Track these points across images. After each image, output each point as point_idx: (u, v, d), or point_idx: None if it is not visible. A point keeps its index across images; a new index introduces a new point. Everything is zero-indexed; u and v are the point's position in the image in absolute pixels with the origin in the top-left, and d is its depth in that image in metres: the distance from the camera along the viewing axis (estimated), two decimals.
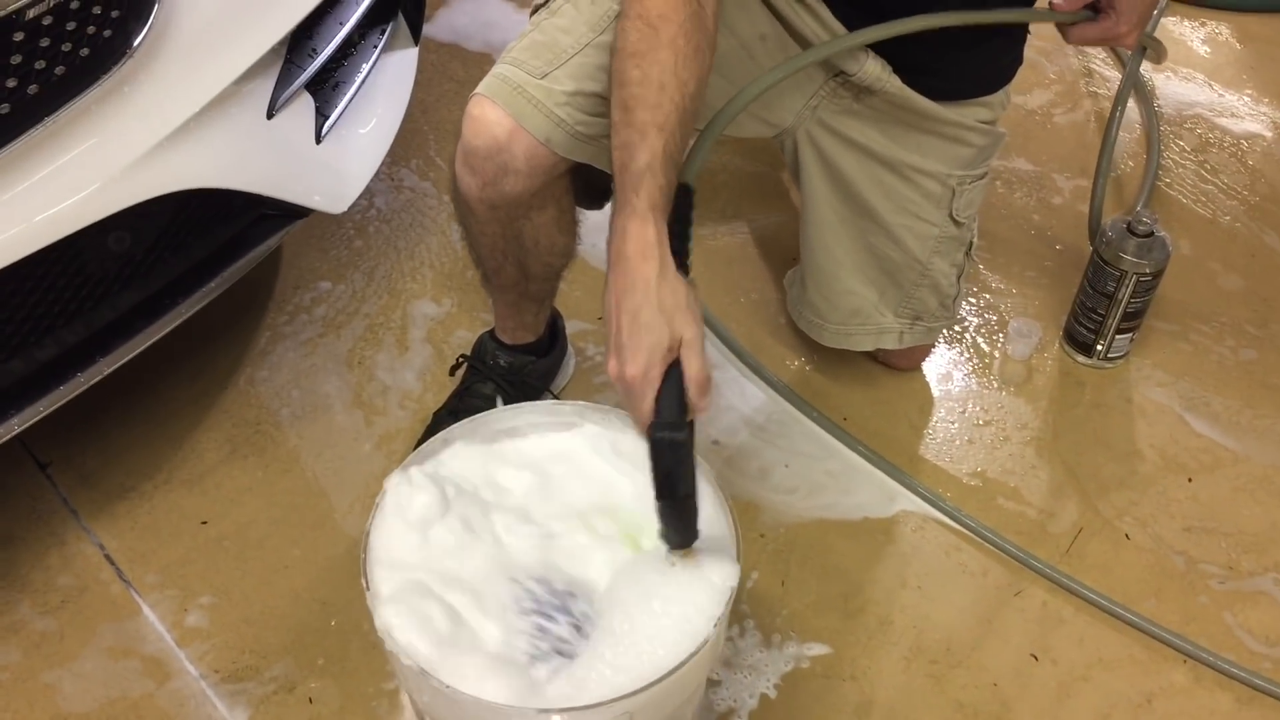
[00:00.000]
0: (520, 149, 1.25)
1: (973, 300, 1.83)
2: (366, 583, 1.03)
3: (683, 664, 0.97)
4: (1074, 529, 1.53)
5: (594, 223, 1.90)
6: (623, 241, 1.04)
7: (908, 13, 1.32)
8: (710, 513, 1.08)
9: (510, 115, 1.24)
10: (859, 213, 1.50)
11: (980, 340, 1.78)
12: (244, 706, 1.32)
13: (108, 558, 1.46)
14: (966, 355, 1.76)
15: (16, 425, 1.31)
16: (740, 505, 1.52)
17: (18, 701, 1.33)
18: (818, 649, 1.39)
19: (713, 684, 1.34)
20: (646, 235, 1.03)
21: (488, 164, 1.26)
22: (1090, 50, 2.36)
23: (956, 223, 1.51)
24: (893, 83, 1.39)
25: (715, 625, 1.00)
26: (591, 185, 1.40)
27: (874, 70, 1.37)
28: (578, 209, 1.43)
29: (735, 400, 1.66)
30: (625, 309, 1.02)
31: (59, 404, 1.34)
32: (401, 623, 1.00)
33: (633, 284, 1.02)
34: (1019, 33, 1.45)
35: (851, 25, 1.35)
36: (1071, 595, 1.44)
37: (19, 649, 1.37)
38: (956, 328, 1.78)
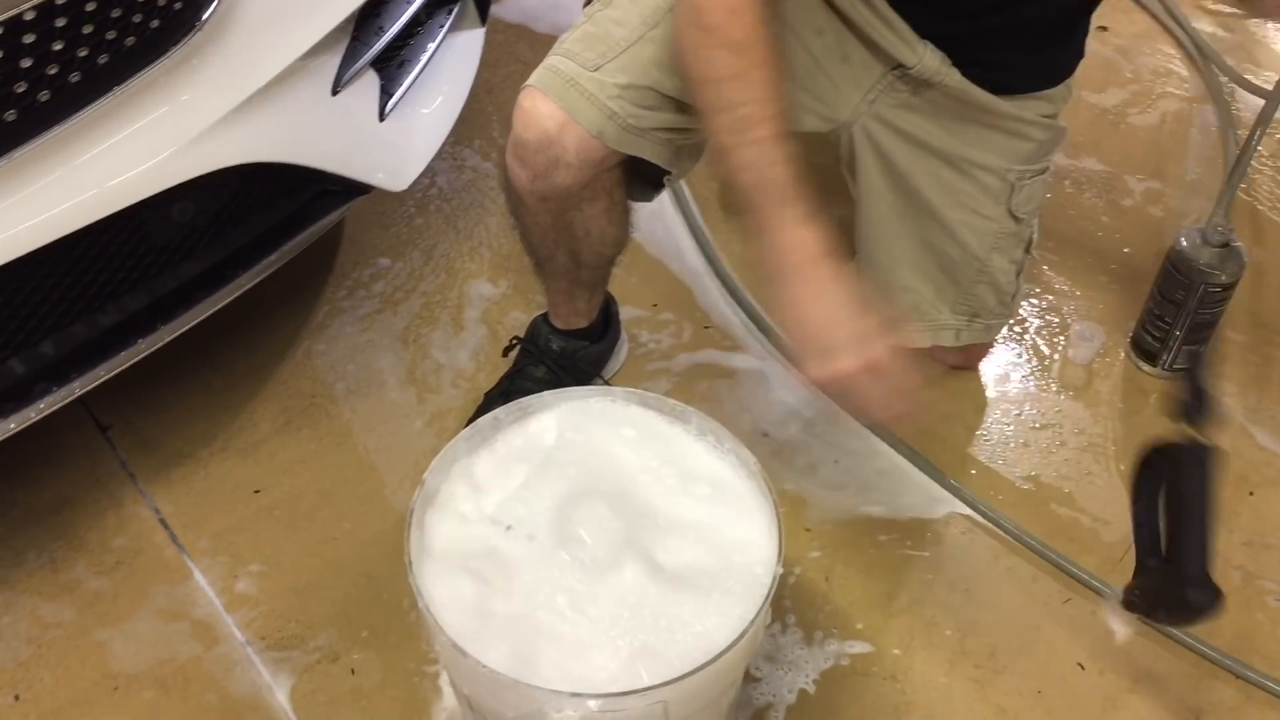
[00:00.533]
0: (571, 142, 1.25)
1: (1035, 301, 1.80)
2: (409, 559, 1.04)
3: (719, 656, 0.97)
4: (1128, 539, 1.49)
5: (651, 211, 1.91)
6: (787, 253, 1.08)
7: (975, 10, 1.29)
8: (753, 505, 1.08)
9: (562, 108, 1.24)
10: (916, 208, 1.48)
11: (1040, 342, 1.75)
12: (288, 674, 1.34)
13: (162, 522, 1.49)
14: (1025, 357, 1.73)
15: (78, 388, 1.33)
16: (787, 499, 1.52)
17: (70, 658, 1.36)
18: (859, 647, 1.38)
19: (752, 678, 1.33)
20: (812, 242, 1.07)
21: (538, 157, 1.26)
22: (1170, 50, 2.30)
23: (1015, 218, 1.48)
24: (952, 76, 1.36)
25: (753, 619, 1.00)
26: (643, 176, 1.40)
27: (933, 63, 1.35)
28: (629, 200, 1.42)
29: (785, 394, 1.65)
30: (816, 314, 1.07)
31: (120, 369, 1.37)
32: (441, 597, 1.01)
33: (819, 290, 1.07)
34: (1082, 26, 1.42)
35: (913, 21, 1.33)
36: None
37: (73, 607, 1.41)
38: (1016, 328, 1.76)
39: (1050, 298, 1.81)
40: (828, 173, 1.99)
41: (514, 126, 1.28)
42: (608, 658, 1.00)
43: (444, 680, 1.32)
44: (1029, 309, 1.79)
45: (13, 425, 1.29)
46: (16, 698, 1.32)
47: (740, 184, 1.10)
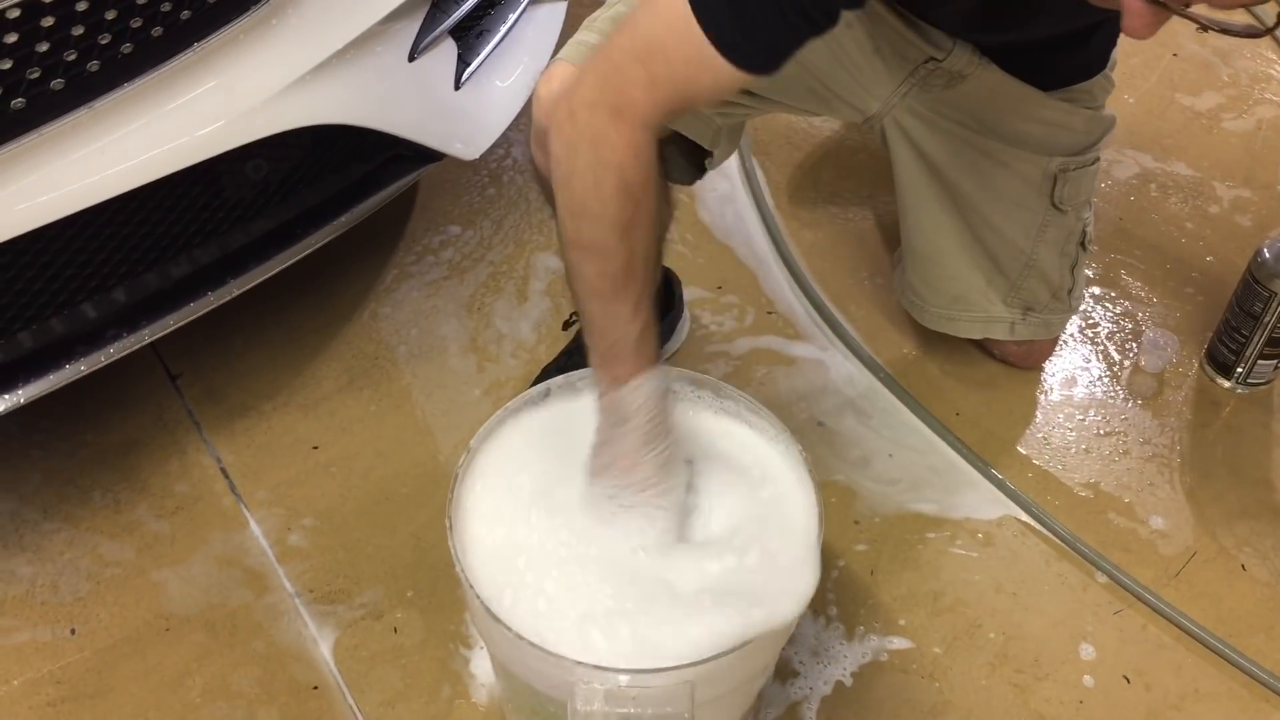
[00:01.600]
0: None
1: (1109, 305, 1.76)
2: (449, 522, 1.05)
3: (747, 642, 0.97)
4: (1186, 553, 1.46)
5: (723, 195, 1.90)
6: (621, 406, 1.07)
7: (989, 29, 1.27)
8: (800, 498, 1.07)
9: None
10: (955, 199, 1.46)
11: (1111, 347, 1.71)
12: (332, 628, 1.37)
13: (223, 471, 1.53)
14: (1094, 361, 1.69)
15: (147, 335, 1.37)
16: (837, 490, 1.51)
17: (126, 596, 1.40)
18: (899, 643, 1.37)
19: (788, 668, 1.33)
20: (645, 394, 1.07)
21: None
22: (1272, 54, 2.22)
23: (1060, 210, 1.45)
24: (986, 69, 1.34)
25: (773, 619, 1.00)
26: (685, 156, 1.39)
27: (964, 55, 1.33)
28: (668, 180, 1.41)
29: (842, 384, 1.63)
30: (621, 459, 1.07)
31: (188, 319, 1.40)
32: (478, 562, 1.03)
33: (632, 446, 1.08)
34: (1108, 26, 1.38)
35: (939, 27, 1.31)
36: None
37: (133, 547, 1.45)
38: (1087, 331, 1.72)
39: (1126, 303, 1.77)
40: (875, 160, 1.97)
41: (533, 115, 1.25)
42: (638, 634, 1.00)
43: (481, 645, 1.34)
44: (1101, 313, 1.75)
45: (83, 367, 1.34)
46: (73, 631, 1.37)
47: (593, 325, 1.07)
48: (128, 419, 1.58)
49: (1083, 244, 1.53)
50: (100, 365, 1.35)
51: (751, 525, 1.07)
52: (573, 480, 1.10)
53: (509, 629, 0.97)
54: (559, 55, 1.26)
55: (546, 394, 1.19)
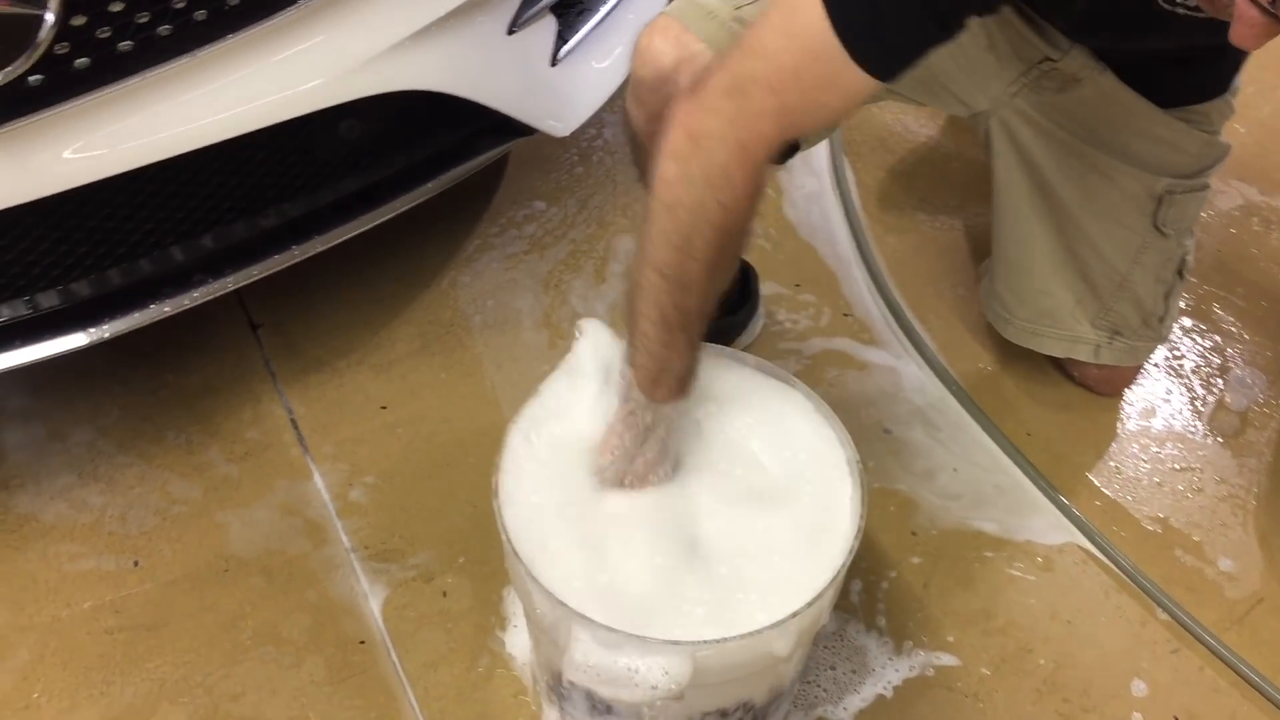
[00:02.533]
0: (686, 80, 1.21)
1: (1198, 338, 1.71)
2: (495, 485, 1.07)
3: (756, 632, 0.97)
4: (1253, 598, 1.42)
5: (810, 193, 1.89)
6: (642, 414, 1.10)
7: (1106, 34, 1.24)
8: (846, 491, 1.07)
9: (699, 38, 1.19)
10: (1054, 210, 1.42)
11: (1196, 381, 1.66)
12: (384, 585, 1.39)
13: (293, 422, 1.56)
14: (1176, 393, 1.64)
15: (231, 283, 1.40)
16: (897, 499, 1.49)
17: (189, 535, 1.44)
18: (946, 660, 1.35)
19: (828, 675, 1.32)
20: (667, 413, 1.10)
21: (653, 96, 1.23)
22: None
23: (1162, 233, 1.40)
24: (1103, 76, 1.30)
25: (806, 604, 0.99)
26: None
27: (1080, 58, 1.29)
28: None
29: (913, 394, 1.61)
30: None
31: (271, 271, 1.43)
32: (519, 524, 1.05)
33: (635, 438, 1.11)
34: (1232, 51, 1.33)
35: (1058, 27, 1.28)
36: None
37: (201, 487, 1.49)
38: (1172, 362, 1.67)
39: (1216, 337, 1.72)
40: (970, 168, 1.93)
41: (632, 66, 1.24)
42: (663, 611, 1.02)
43: (516, 624, 1.35)
44: (1189, 345, 1.70)
45: (167, 308, 1.37)
46: (136, 563, 1.41)
47: (649, 347, 1.07)
48: (208, 364, 1.62)
49: (1180, 272, 1.48)
50: (184, 308, 1.39)
51: (784, 531, 1.07)
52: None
53: (529, 570, 0.99)
54: (668, 9, 1.23)
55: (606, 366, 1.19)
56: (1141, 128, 1.35)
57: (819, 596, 1.00)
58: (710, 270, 1.02)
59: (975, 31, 1.32)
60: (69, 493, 1.47)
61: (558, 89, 1.57)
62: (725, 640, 0.98)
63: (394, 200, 1.49)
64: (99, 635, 1.34)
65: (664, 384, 1.08)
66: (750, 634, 0.98)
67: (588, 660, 0.99)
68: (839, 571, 1.01)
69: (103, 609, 1.36)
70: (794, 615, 0.98)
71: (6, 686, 1.29)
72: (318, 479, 1.50)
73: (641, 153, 1.35)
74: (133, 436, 1.53)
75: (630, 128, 1.31)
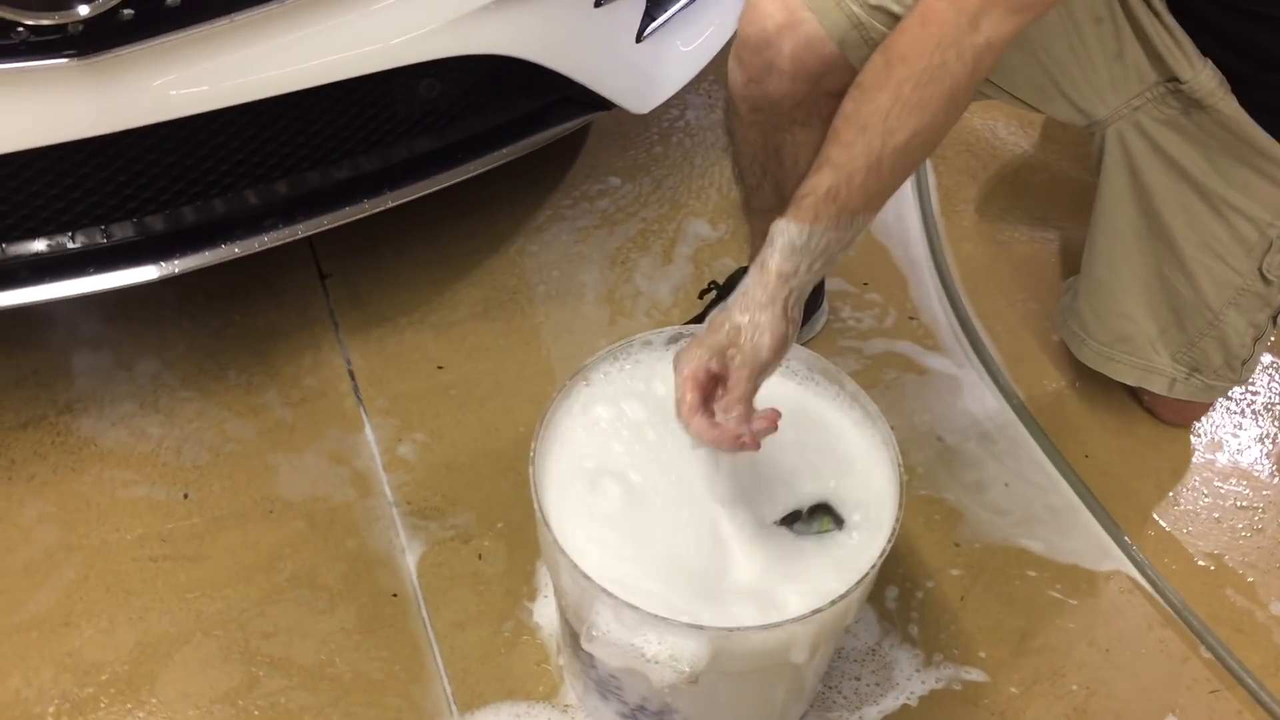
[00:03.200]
0: (788, 46, 1.20)
1: (1275, 372, 1.66)
2: (532, 454, 1.07)
3: (776, 624, 0.96)
4: None
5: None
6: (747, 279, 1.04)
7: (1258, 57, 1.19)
8: (879, 487, 1.06)
9: (807, 6, 1.18)
10: (1155, 234, 1.37)
11: (1268, 419, 1.60)
12: (421, 542, 1.41)
13: (350, 373, 1.58)
14: (1246, 429, 1.59)
15: (301, 230, 1.43)
16: (943, 509, 1.46)
17: (240, 473, 1.47)
18: (975, 675, 1.32)
19: (852, 681, 1.30)
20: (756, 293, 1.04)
21: (755, 58, 1.23)
22: None
23: (1265, 279, 1.35)
24: (1229, 104, 1.25)
25: (829, 602, 0.98)
26: None
27: (1208, 83, 1.24)
28: None
29: (971, 404, 1.58)
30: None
31: (340, 222, 1.46)
32: (553, 494, 1.07)
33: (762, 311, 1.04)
34: None
35: (1196, 39, 1.23)
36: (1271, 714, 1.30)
37: (255, 428, 1.52)
38: (1246, 396, 1.62)
39: None
40: (1085, 190, 1.89)
41: (739, 23, 1.24)
42: (687, 595, 1.01)
43: (545, 594, 1.36)
44: (1265, 380, 1.65)
45: (237, 250, 1.40)
46: (185, 496, 1.44)
47: (838, 172, 1.03)
48: (274, 308, 1.65)
49: (1275, 318, 1.43)
50: (253, 250, 1.42)
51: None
52: (655, 430, 1.12)
53: (554, 536, 1.00)
54: None
55: (647, 343, 1.19)
56: (1264, 167, 1.30)
57: (843, 596, 0.98)
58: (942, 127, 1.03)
59: (1105, 36, 1.28)
60: (129, 421, 1.51)
61: (640, 66, 1.57)
62: (745, 630, 0.97)
63: (468, 163, 1.51)
64: (143, 562, 1.38)
65: (833, 204, 1.02)
66: (771, 625, 0.97)
67: (607, 636, 0.99)
68: (867, 574, 1.00)
69: (149, 537, 1.40)
70: (816, 612, 0.97)
71: (50, 602, 1.34)
72: (369, 431, 1.52)
73: (736, 123, 1.34)
74: (196, 372, 1.57)
75: (729, 94, 1.30)
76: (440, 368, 1.60)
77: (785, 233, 1.02)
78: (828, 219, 1.01)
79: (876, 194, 1.04)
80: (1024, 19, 1.01)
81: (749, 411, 1.01)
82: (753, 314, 1.01)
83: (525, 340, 1.64)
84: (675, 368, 1.03)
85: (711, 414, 1.00)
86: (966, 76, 1.01)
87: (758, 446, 1.00)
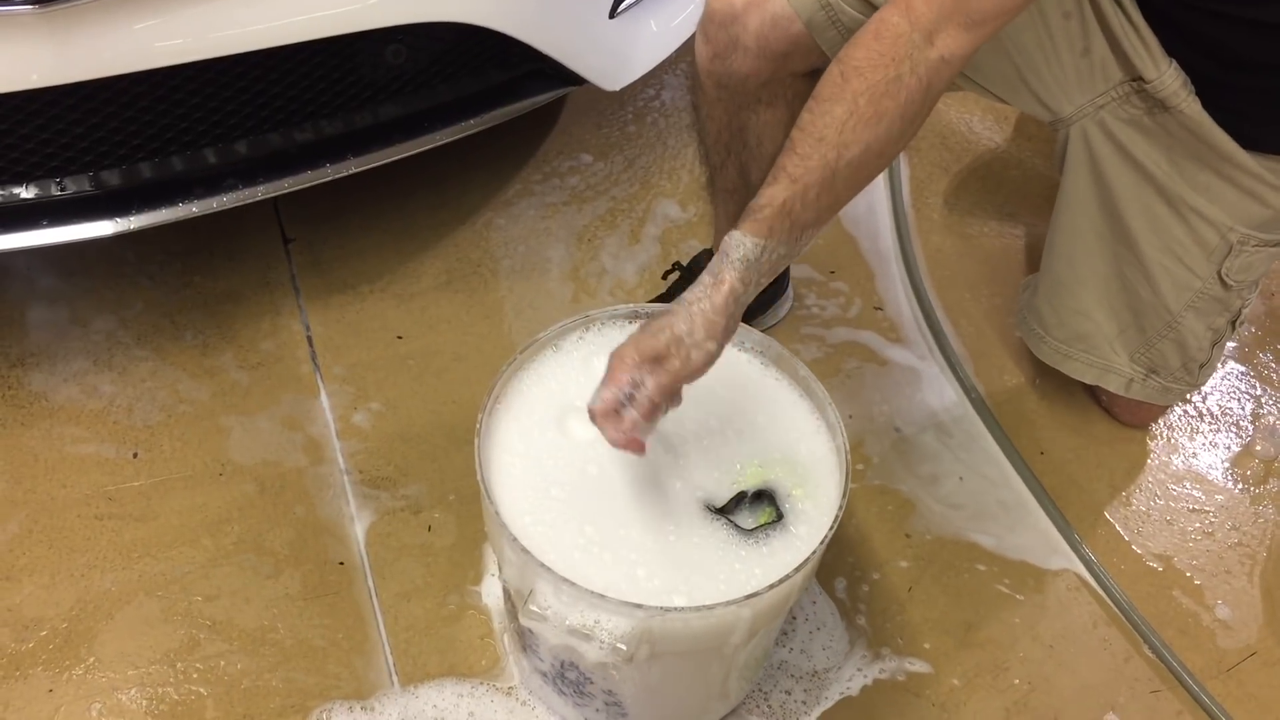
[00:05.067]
0: (754, 23, 1.21)
1: (1235, 380, 1.66)
2: (479, 426, 1.07)
3: (710, 606, 0.96)
4: (1245, 650, 1.38)
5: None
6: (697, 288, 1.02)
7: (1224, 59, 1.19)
8: (823, 475, 1.06)
9: None
10: (1117, 235, 1.37)
11: (1226, 423, 1.61)
12: (371, 511, 1.40)
13: (309, 339, 1.57)
14: (1203, 433, 1.60)
15: (261, 192, 1.41)
16: (896, 499, 1.47)
17: (192, 433, 1.46)
18: (918, 666, 1.33)
19: (796, 670, 1.30)
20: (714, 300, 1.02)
21: (720, 33, 1.23)
22: None
23: (1225, 284, 1.35)
24: (1192, 105, 1.25)
25: (767, 586, 0.98)
26: None
27: (1173, 83, 1.24)
28: None
29: (930, 397, 1.58)
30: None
31: (302, 185, 1.44)
32: (497, 467, 1.06)
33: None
34: None
35: (1162, 36, 1.23)
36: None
37: (210, 390, 1.50)
38: (1205, 401, 1.62)
39: (1255, 383, 1.66)
40: (1028, 179, 1.88)
41: (708, 6, 1.24)
42: (627, 573, 1.02)
43: (491, 573, 1.36)
44: (1226, 386, 1.65)
45: (195, 209, 1.39)
46: (135, 455, 1.43)
47: (792, 184, 1.02)
48: (235, 271, 1.63)
49: (1234, 323, 1.43)
50: (212, 210, 1.40)
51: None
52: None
53: (497, 509, 0.99)
54: None
55: (587, 318, 1.18)
56: (1227, 172, 1.30)
57: (780, 582, 0.98)
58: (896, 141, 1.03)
59: (1073, 33, 1.28)
60: (82, 378, 1.50)
61: (612, 43, 1.55)
62: (683, 610, 0.97)
63: (434, 132, 1.49)
64: (89, 520, 1.37)
65: (787, 219, 1.01)
66: (707, 607, 0.97)
67: (545, 611, 0.99)
68: (804, 563, 1.00)
69: (96, 496, 1.39)
70: (752, 595, 0.97)
71: None
72: (324, 398, 1.51)
73: (702, 99, 1.33)
74: (152, 331, 1.55)
75: (695, 68, 1.30)
76: (400, 338, 1.59)
77: (741, 246, 1.01)
78: (781, 233, 1.01)
79: (829, 207, 1.04)
80: (979, 35, 1.01)
81: (653, 415, 1.00)
82: (694, 330, 1.00)
83: (487, 314, 1.63)
84: (609, 362, 1.02)
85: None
86: (921, 91, 1.01)
87: (642, 450, 1.01)
